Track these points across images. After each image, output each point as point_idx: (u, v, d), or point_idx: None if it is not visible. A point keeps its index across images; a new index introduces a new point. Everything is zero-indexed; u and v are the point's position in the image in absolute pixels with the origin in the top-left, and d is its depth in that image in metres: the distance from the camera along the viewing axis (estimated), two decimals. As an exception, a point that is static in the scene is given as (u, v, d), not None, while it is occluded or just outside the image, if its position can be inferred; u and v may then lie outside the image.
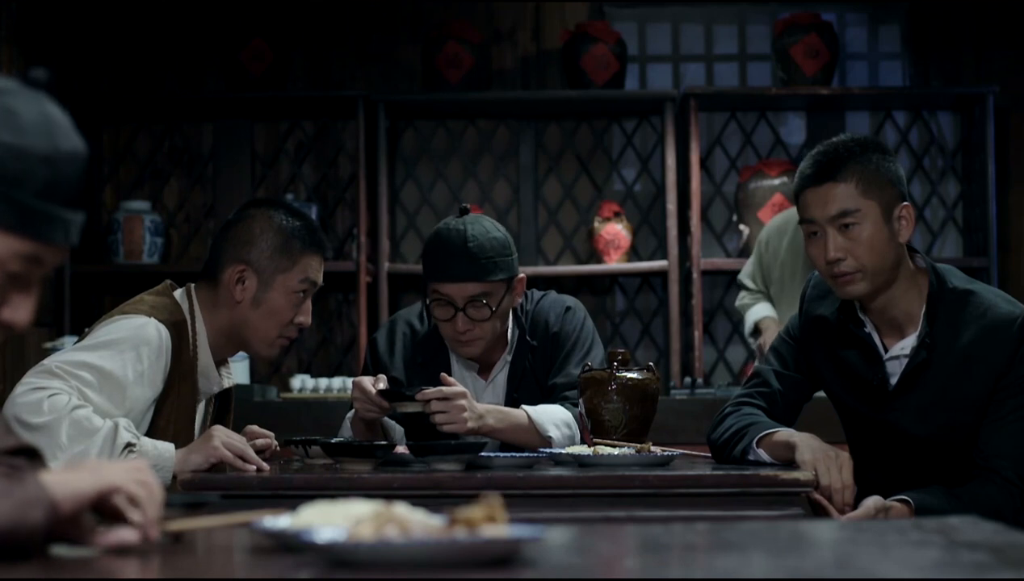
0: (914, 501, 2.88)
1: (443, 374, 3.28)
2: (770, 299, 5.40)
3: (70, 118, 1.76)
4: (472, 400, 3.26)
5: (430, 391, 3.21)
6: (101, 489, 1.70)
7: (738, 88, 6.40)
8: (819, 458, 2.87)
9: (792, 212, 5.39)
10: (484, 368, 3.55)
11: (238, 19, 6.19)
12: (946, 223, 6.36)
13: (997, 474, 2.94)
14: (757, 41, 6.51)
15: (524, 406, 3.38)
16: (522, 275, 3.49)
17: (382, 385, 3.27)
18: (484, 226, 3.43)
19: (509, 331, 3.53)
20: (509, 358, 3.52)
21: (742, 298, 5.45)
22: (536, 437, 3.35)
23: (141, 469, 1.74)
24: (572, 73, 6.11)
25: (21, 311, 1.73)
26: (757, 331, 5.32)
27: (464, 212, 3.48)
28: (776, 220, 5.46)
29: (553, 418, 3.37)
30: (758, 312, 5.37)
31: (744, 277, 5.46)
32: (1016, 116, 6.27)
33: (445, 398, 3.20)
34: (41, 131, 1.70)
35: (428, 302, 3.44)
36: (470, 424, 3.23)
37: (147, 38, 6.30)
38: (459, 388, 3.24)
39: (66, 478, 1.69)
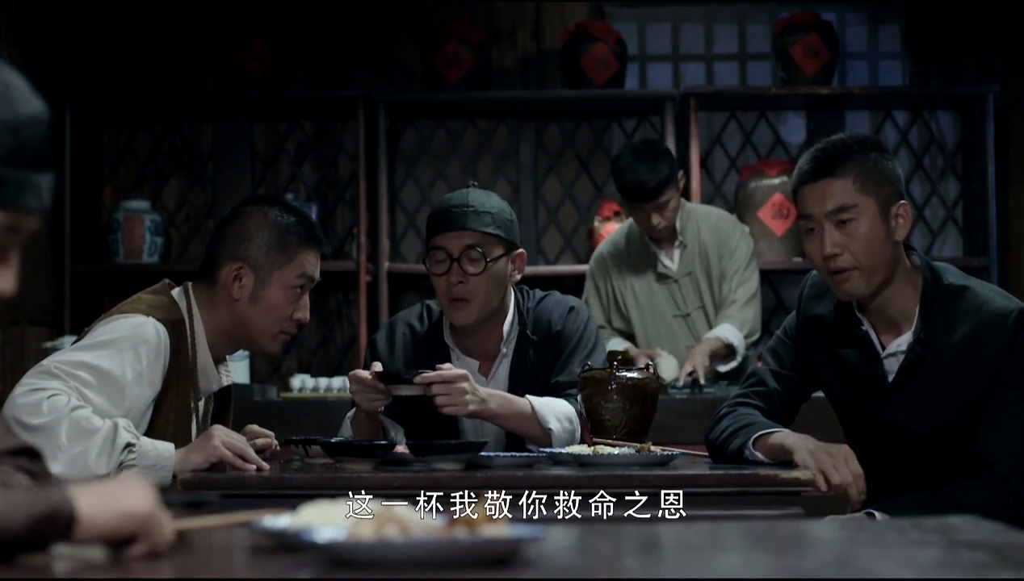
0: (883, 511, 2.88)
1: (438, 364, 3.28)
2: (618, 328, 5.30)
3: (30, 83, 1.75)
4: (474, 384, 3.26)
5: (430, 374, 3.21)
6: (127, 518, 1.68)
7: (738, 88, 6.40)
8: (822, 460, 2.86)
9: (619, 233, 5.35)
10: (484, 363, 3.55)
11: (238, 19, 6.19)
12: (946, 223, 6.37)
13: (990, 470, 2.93)
14: (757, 41, 6.51)
15: (529, 396, 3.39)
16: (522, 250, 3.52)
17: (378, 368, 3.28)
18: (488, 193, 3.52)
19: (507, 324, 3.53)
20: (508, 351, 3.53)
21: None
22: (536, 427, 3.35)
23: (152, 497, 1.72)
24: (572, 73, 6.12)
25: (3, 280, 1.74)
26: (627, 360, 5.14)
27: (470, 186, 3.56)
28: (604, 247, 5.37)
29: (556, 411, 3.38)
30: (615, 346, 5.23)
31: None
32: (1016, 116, 6.27)
33: (445, 381, 3.20)
34: (0, 98, 1.69)
35: (427, 262, 3.48)
36: (471, 407, 3.24)
37: (147, 38, 6.30)
38: (460, 371, 3.24)
39: (94, 500, 1.67)
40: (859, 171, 2.96)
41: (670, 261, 5.23)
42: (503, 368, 3.54)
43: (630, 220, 5.28)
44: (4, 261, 1.74)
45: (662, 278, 5.25)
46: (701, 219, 5.25)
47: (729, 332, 5.06)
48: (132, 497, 1.68)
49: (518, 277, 3.54)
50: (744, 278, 5.19)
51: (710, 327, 5.17)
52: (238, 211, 3.26)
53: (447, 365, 3.26)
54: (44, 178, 1.73)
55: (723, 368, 5.10)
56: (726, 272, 5.20)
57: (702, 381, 4.93)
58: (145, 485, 1.71)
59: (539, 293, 3.62)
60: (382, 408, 3.35)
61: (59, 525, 1.62)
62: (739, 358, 5.08)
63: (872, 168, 2.97)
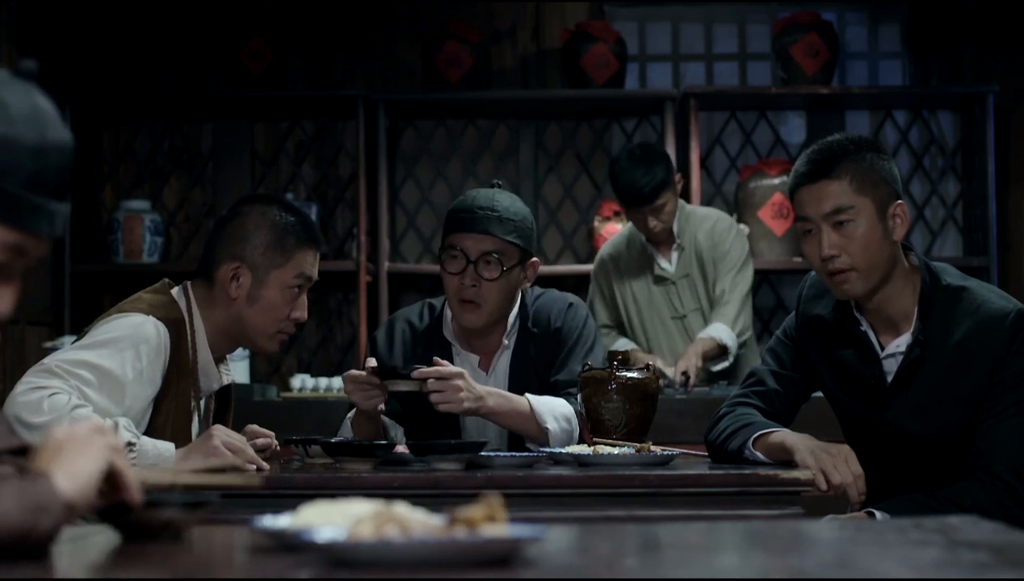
0: (881, 512, 2.88)
1: (436, 358, 3.27)
2: (624, 330, 5.35)
3: (59, 111, 1.76)
4: (471, 381, 3.26)
5: (427, 369, 3.21)
6: (102, 470, 1.74)
7: (738, 87, 6.40)
8: (823, 460, 2.86)
9: (621, 235, 5.38)
10: (484, 358, 3.55)
11: (238, 19, 6.19)
12: (946, 222, 6.36)
13: (988, 471, 2.93)
14: (757, 40, 6.51)
15: (528, 394, 3.38)
16: (536, 259, 3.52)
17: (372, 364, 3.27)
18: (512, 198, 3.52)
19: (510, 318, 3.53)
20: (509, 343, 3.52)
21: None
22: (534, 426, 3.35)
23: (105, 431, 1.78)
24: (572, 73, 6.11)
25: (3, 302, 1.74)
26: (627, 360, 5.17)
27: (495, 186, 3.56)
28: (605, 249, 5.40)
29: (554, 411, 3.38)
30: (620, 347, 5.27)
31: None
32: (1016, 115, 6.27)
33: (442, 378, 3.20)
34: (30, 122, 1.70)
35: (441, 258, 3.47)
36: (467, 404, 3.23)
37: (147, 38, 6.31)
38: (456, 368, 3.24)
39: (72, 472, 1.70)
40: (855, 172, 2.96)
41: (667, 263, 5.24)
42: (503, 361, 3.54)
43: (631, 223, 5.29)
44: (5, 282, 1.74)
45: (659, 280, 5.25)
46: (699, 222, 5.26)
47: (722, 331, 5.07)
48: (90, 456, 1.74)
49: (528, 285, 3.54)
50: (737, 279, 5.19)
51: None
52: (236, 210, 3.26)
53: (443, 361, 3.25)
54: (61, 207, 1.74)
55: (716, 367, 5.12)
56: (719, 273, 5.21)
57: (693, 380, 4.94)
58: (93, 434, 1.76)
59: (538, 289, 3.63)
60: (381, 407, 3.35)
61: (52, 514, 1.64)
62: (731, 357, 5.09)
63: (868, 168, 2.97)
